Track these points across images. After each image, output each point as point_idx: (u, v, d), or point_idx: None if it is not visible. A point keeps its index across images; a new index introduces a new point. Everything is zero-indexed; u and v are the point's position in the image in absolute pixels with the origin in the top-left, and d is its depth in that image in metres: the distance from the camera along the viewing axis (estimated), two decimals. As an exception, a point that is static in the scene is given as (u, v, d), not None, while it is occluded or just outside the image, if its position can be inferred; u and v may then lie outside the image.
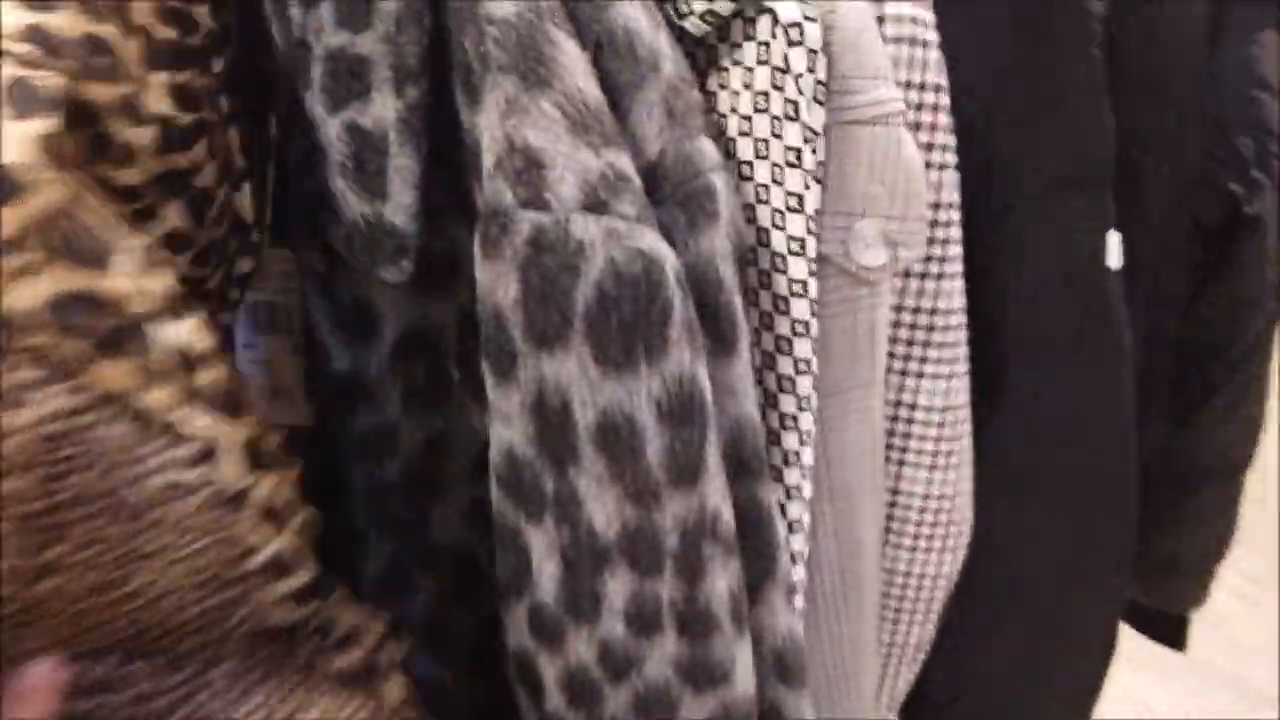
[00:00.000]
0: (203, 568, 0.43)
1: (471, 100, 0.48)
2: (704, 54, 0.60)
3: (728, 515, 0.51)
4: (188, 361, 0.42)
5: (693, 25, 0.57)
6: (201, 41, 0.46)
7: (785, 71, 0.56)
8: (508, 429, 0.49)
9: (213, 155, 0.47)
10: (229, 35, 0.50)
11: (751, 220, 0.60)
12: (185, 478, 0.42)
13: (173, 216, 0.45)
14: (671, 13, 0.57)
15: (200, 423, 0.43)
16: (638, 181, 0.49)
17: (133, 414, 0.41)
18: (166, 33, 0.44)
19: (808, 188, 0.58)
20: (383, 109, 0.49)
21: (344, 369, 0.56)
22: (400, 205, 0.50)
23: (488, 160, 0.47)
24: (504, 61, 0.46)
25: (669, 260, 0.48)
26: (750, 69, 0.58)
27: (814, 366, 0.61)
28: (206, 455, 0.43)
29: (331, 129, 0.50)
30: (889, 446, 0.70)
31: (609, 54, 0.51)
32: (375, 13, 0.48)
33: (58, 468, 0.40)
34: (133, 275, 0.41)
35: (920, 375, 0.68)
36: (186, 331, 0.42)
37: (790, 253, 0.59)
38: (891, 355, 0.68)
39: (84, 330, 0.40)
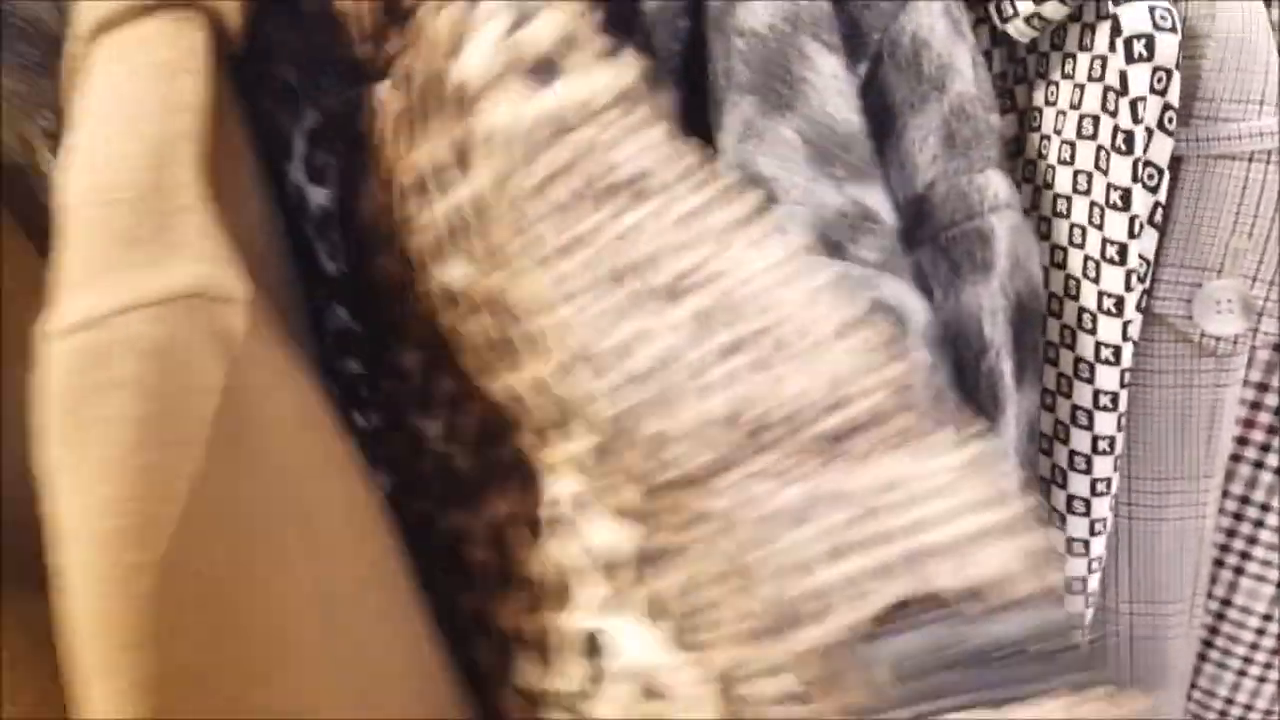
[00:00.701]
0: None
1: (717, 119, 0.44)
2: (1035, 61, 0.51)
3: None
4: None
5: (1016, 30, 0.48)
6: None
7: (1121, 93, 0.46)
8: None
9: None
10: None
11: (1061, 266, 0.50)
12: None
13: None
14: (994, 13, 0.48)
15: None
16: (889, 221, 0.42)
17: None
18: None
19: (1133, 235, 0.47)
20: None
21: None
22: None
23: (716, 187, 0.43)
24: (745, 79, 0.41)
25: (914, 316, 0.41)
26: (1081, 86, 0.48)
27: (1118, 446, 0.50)
28: None
29: None
30: (1226, 549, 0.57)
31: (889, 66, 0.44)
32: (643, 13, 0.45)
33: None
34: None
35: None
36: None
37: (1102, 311, 0.49)
38: (1244, 442, 0.55)
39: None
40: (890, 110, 0.44)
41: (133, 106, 0.32)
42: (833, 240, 0.41)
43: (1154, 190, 0.47)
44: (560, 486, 0.32)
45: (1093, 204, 0.48)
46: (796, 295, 0.29)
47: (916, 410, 0.28)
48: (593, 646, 0.31)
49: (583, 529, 0.31)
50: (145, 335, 0.29)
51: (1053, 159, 0.50)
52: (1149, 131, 0.46)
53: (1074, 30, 0.48)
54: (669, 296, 0.28)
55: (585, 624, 0.31)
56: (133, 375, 0.28)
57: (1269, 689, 0.59)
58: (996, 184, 0.45)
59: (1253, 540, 0.56)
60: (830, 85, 0.42)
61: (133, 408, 0.28)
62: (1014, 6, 0.47)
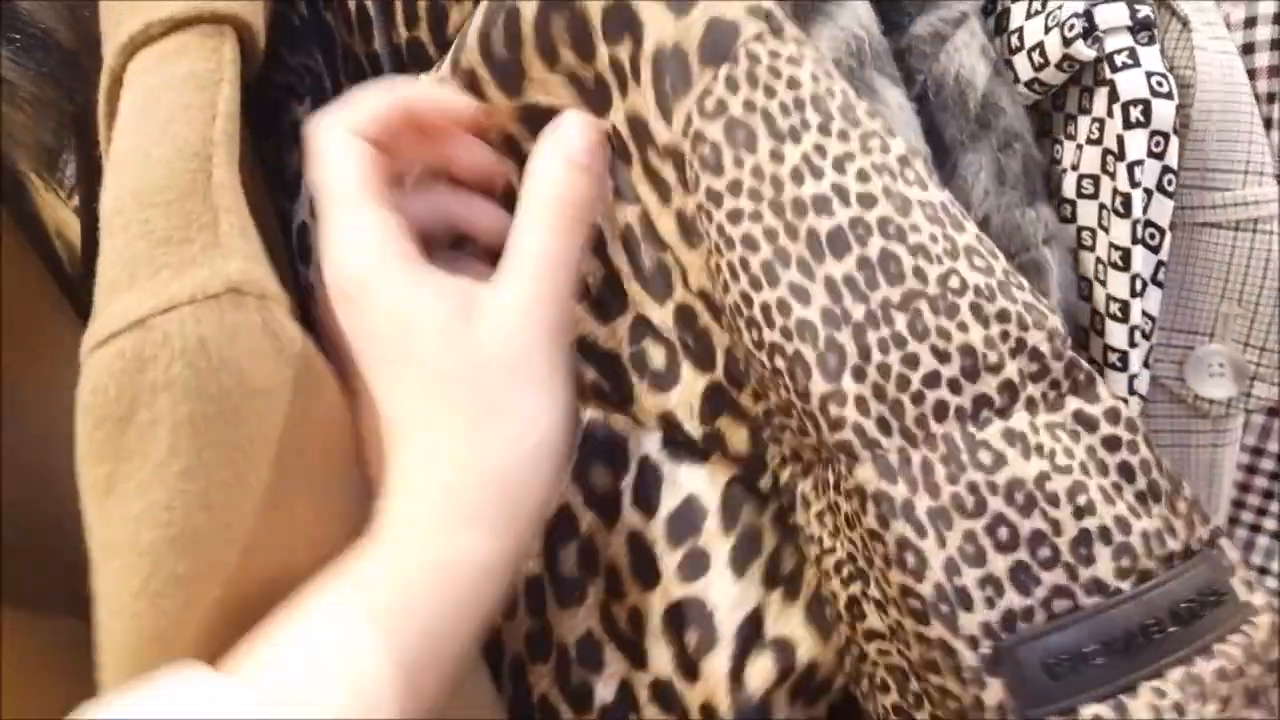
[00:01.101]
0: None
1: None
2: (1036, 123, 0.52)
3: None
4: None
5: (1019, 95, 0.49)
6: None
7: (1119, 158, 0.47)
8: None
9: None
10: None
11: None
12: None
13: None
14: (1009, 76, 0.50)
15: None
16: None
17: None
18: None
19: (1135, 294, 0.48)
20: None
21: None
22: None
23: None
24: None
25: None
26: (1080, 146, 0.49)
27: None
28: None
29: None
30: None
31: (935, 106, 0.46)
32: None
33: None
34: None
35: (1278, 535, 0.55)
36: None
37: (1107, 364, 0.49)
38: (1241, 505, 0.56)
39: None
40: (940, 148, 0.45)
41: (170, 114, 0.32)
42: None
43: (1156, 250, 0.48)
44: (648, 443, 0.32)
45: (1097, 260, 0.49)
46: (952, 245, 0.30)
47: (1053, 376, 0.30)
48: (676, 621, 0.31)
49: (671, 481, 0.31)
50: (185, 334, 0.28)
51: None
52: (1148, 193, 0.47)
53: (1073, 93, 0.50)
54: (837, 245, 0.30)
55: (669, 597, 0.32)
56: (174, 376, 0.27)
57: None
58: (1045, 215, 0.46)
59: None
60: (899, 116, 0.43)
61: (172, 410, 0.27)
62: (1014, 71, 0.49)
